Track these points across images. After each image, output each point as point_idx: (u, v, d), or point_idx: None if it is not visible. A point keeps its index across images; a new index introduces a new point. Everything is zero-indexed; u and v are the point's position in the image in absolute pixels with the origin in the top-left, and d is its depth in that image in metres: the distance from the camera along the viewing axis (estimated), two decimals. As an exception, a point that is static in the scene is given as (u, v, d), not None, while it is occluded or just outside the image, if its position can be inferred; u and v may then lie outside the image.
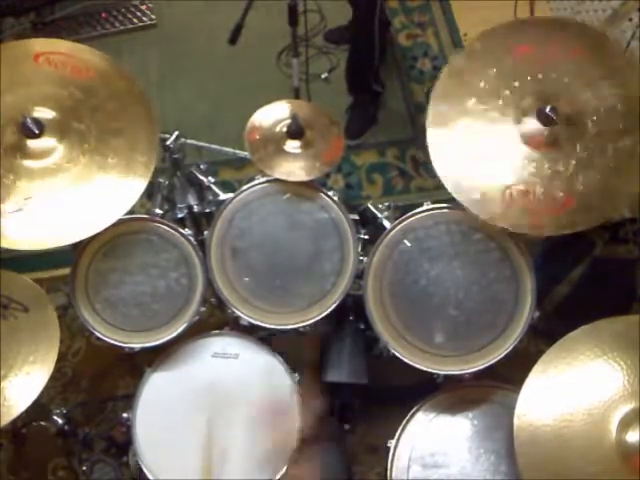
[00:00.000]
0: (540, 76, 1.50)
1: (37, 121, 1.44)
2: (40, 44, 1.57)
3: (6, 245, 1.39)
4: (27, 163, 1.45)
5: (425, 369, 1.54)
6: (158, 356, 1.66)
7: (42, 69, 1.53)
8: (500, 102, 1.49)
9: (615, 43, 1.55)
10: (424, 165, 2.53)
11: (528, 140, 1.43)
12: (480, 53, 1.55)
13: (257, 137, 1.67)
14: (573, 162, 1.43)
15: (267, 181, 1.66)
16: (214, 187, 1.84)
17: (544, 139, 1.44)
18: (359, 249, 1.65)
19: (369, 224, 1.77)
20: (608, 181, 1.41)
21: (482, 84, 1.51)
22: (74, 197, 1.44)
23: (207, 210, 1.83)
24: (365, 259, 1.61)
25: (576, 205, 1.40)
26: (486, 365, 1.52)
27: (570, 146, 1.44)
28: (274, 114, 1.70)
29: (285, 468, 1.51)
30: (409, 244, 1.59)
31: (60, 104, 1.50)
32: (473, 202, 1.44)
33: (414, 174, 2.55)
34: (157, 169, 1.70)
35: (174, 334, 1.62)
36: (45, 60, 1.53)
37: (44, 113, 1.48)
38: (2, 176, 1.43)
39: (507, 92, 1.50)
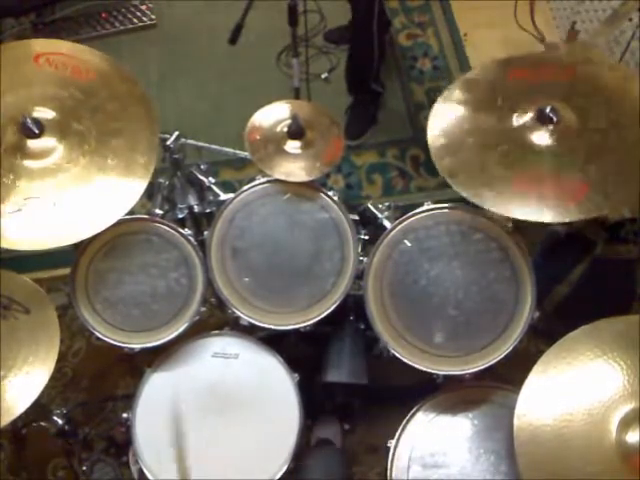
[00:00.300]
0: (535, 90, 1.52)
1: (37, 121, 1.44)
2: (40, 45, 1.57)
3: (6, 245, 1.39)
4: (27, 163, 1.44)
5: (425, 369, 1.54)
6: (158, 356, 1.66)
7: (42, 70, 1.53)
8: (498, 113, 1.51)
9: (604, 55, 1.58)
10: (424, 165, 2.53)
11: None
12: (477, 80, 1.59)
13: (257, 137, 1.67)
14: (579, 157, 1.43)
15: (267, 181, 1.66)
16: (214, 187, 1.85)
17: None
18: (359, 249, 1.65)
19: (369, 224, 1.77)
20: (620, 168, 1.41)
21: (479, 98, 1.54)
22: (74, 198, 1.44)
23: (207, 210, 1.83)
24: (365, 259, 1.61)
25: (592, 191, 1.39)
26: (486, 365, 1.52)
27: (573, 141, 1.45)
28: (274, 114, 1.70)
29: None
30: (409, 244, 1.59)
31: (60, 104, 1.50)
32: (484, 200, 1.44)
33: (414, 174, 2.54)
34: (157, 169, 1.70)
35: (174, 334, 1.62)
36: (45, 61, 1.53)
37: (44, 113, 1.47)
38: (2, 176, 1.42)
39: (504, 101, 1.51)
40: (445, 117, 1.54)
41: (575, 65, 1.57)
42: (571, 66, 1.57)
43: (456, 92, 1.57)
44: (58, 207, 1.42)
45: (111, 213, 1.45)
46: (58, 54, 1.55)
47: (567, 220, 1.40)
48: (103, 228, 1.46)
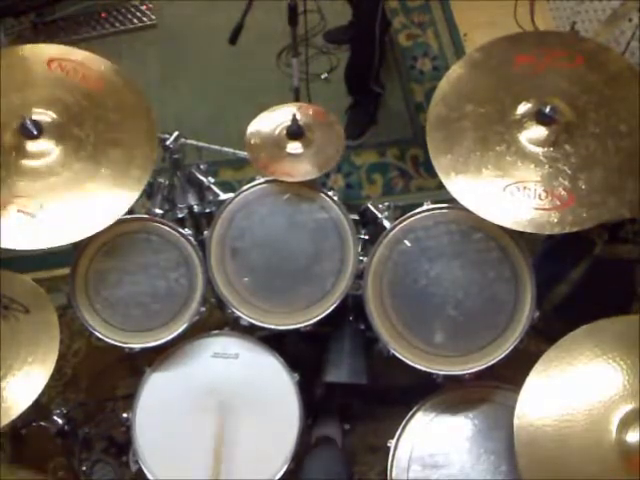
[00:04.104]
0: (539, 82, 1.51)
1: (36, 123, 1.44)
2: (56, 50, 1.59)
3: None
4: (22, 162, 1.45)
5: (425, 369, 1.53)
6: (158, 356, 1.66)
7: (53, 74, 1.55)
8: (498, 105, 1.50)
9: (613, 50, 1.56)
10: (424, 165, 2.53)
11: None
12: (480, 62, 1.57)
13: (257, 141, 1.67)
14: (574, 161, 1.43)
15: (267, 181, 1.66)
16: (214, 187, 1.85)
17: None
18: (359, 249, 1.65)
19: (369, 224, 1.77)
20: (611, 179, 1.41)
21: (481, 90, 1.53)
22: (62, 202, 1.44)
23: (207, 210, 1.83)
24: (365, 259, 1.61)
25: (578, 203, 1.40)
26: (486, 365, 1.52)
27: (570, 145, 1.44)
28: (274, 118, 1.70)
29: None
30: (409, 244, 1.59)
31: (65, 109, 1.51)
32: (474, 201, 1.45)
33: (414, 174, 2.54)
34: (157, 169, 1.70)
35: (174, 334, 1.62)
36: (58, 65, 1.55)
37: (46, 116, 1.48)
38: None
39: (505, 96, 1.51)
40: (444, 119, 1.54)
41: (583, 53, 1.54)
42: (579, 54, 1.54)
43: (460, 75, 1.57)
44: (44, 210, 1.42)
45: (96, 222, 1.45)
46: (71, 61, 1.57)
47: (564, 232, 1.40)
48: (86, 236, 1.46)
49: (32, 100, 1.50)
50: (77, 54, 1.59)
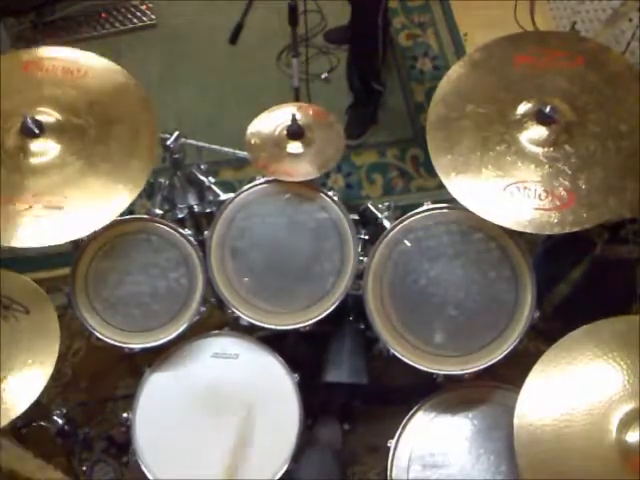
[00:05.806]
0: (539, 82, 1.51)
1: (37, 121, 1.45)
2: (27, 54, 1.60)
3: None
4: (30, 162, 1.45)
5: (425, 369, 1.53)
6: (158, 356, 1.66)
7: (33, 75, 1.55)
8: (499, 105, 1.50)
9: (613, 50, 1.57)
10: (424, 165, 2.53)
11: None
12: (480, 62, 1.57)
13: (257, 141, 1.67)
14: (574, 161, 1.43)
15: (267, 181, 1.67)
16: (214, 187, 1.85)
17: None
18: (359, 249, 1.65)
19: (369, 224, 1.78)
20: (612, 179, 1.41)
21: (481, 90, 1.53)
22: (82, 191, 1.44)
23: (207, 210, 1.83)
24: (365, 259, 1.61)
25: (578, 203, 1.40)
26: (486, 365, 1.52)
27: (570, 145, 1.44)
28: (274, 118, 1.70)
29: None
30: (409, 244, 1.59)
31: (58, 104, 1.51)
32: (474, 201, 1.45)
33: (414, 174, 2.54)
34: (157, 169, 1.70)
35: (174, 334, 1.62)
36: (35, 67, 1.56)
37: (45, 114, 1.48)
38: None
39: (506, 96, 1.50)
40: (444, 119, 1.54)
41: (583, 53, 1.54)
42: (579, 54, 1.54)
43: (460, 75, 1.57)
44: (70, 200, 1.42)
45: (100, 217, 1.44)
46: (46, 58, 1.57)
47: (564, 232, 1.40)
48: (87, 233, 1.47)
49: (22, 104, 1.51)
50: (48, 51, 1.60)
